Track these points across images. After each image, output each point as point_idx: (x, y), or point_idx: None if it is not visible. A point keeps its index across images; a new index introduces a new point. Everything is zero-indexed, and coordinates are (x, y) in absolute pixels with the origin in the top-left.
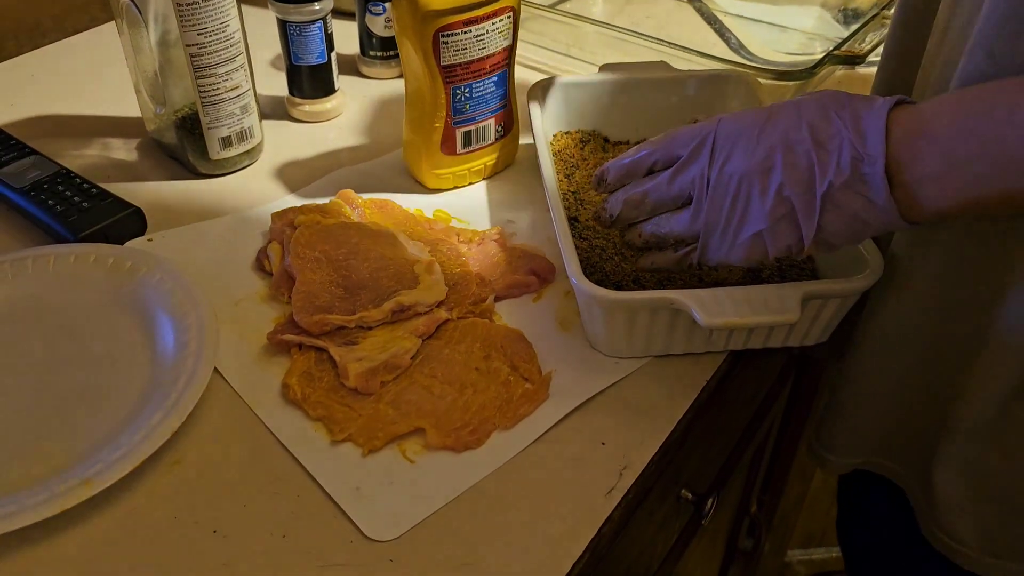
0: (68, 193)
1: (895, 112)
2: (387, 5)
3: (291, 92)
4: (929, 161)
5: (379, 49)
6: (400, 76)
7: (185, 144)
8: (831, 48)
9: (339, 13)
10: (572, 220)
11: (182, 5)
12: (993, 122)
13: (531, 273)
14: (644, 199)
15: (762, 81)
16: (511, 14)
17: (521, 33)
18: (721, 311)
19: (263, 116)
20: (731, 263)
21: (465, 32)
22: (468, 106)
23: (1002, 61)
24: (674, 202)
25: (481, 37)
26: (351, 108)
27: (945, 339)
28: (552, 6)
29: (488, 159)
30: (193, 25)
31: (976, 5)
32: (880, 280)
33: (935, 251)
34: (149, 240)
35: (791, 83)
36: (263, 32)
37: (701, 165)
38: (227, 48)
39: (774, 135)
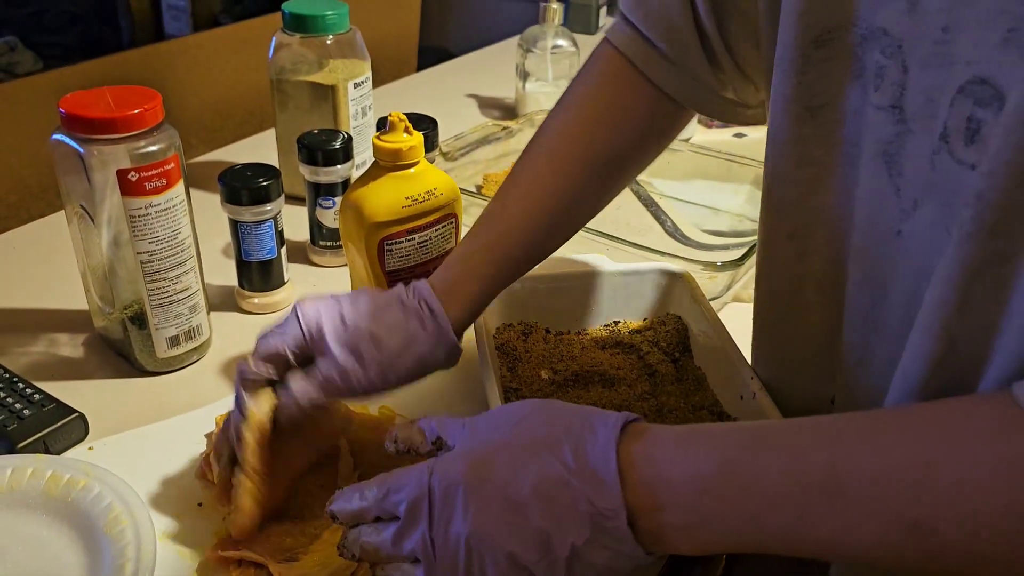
0: (9, 400)
1: (625, 445)
2: (337, 199)
3: (240, 284)
4: (671, 512)
5: (329, 239)
6: None
7: (132, 342)
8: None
9: (291, 198)
10: None
11: (134, 217)
12: (731, 484)
13: None
14: (378, 552)
15: (693, 273)
16: (453, 220)
17: (465, 219)
18: None
19: (212, 307)
20: None
21: (409, 240)
22: None
23: None
24: (408, 558)
25: (425, 243)
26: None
27: None
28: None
29: None
30: (145, 235)
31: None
32: None
33: None
34: (90, 449)
35: (722, 273)
36: (215, 219)
37: (422, 528)
38: (177, 253)
39: (491, 490)
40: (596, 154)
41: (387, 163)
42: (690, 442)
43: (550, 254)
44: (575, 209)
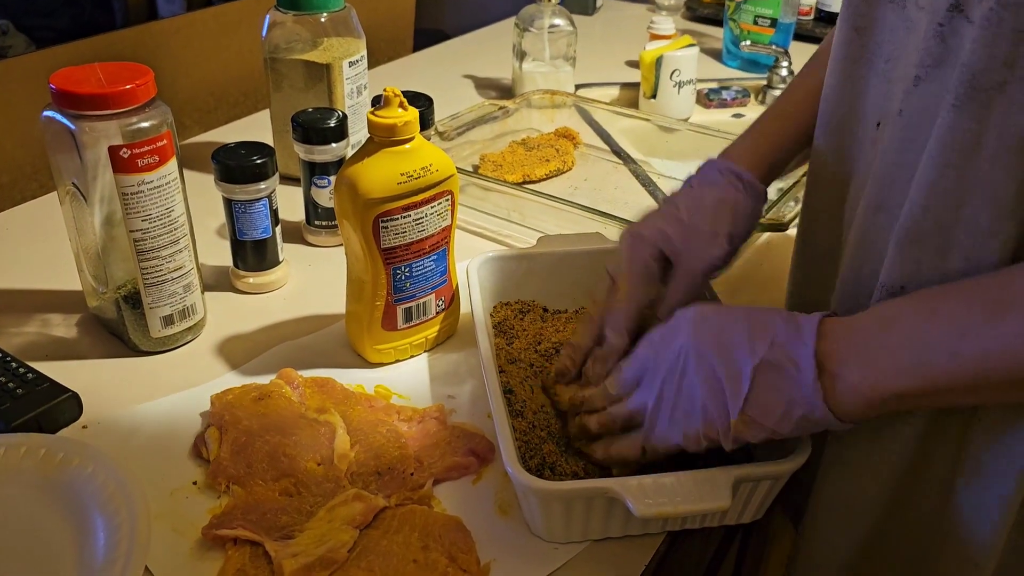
0: (2, 379)
1: (826, 319)
2: (332, 178)
3: (235, 264)
4: (853, 351)
5: (324, 219)
6: None
7: (126, 322)
8: None
9: (286, 179)
10: (508, 398)
11: (127, 194)
12: (913, 319)
13: (470, 454)
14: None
15: None
16: (449, 197)
17: (462, 198)
18: (655, 500)
19: (207, 288)
20: (672, 444)
21: (404, 217)
22: (408, 284)
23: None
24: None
25: (420, 220)
26: (295, 278)
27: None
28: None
29: (429, 332)
30: (138, 212)
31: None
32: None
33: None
34: (84, 427)
35: None
36: (209, 200)
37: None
38: (171, 232)
39: (713, 324)
40: None
41: (382, 139)
42: (877, 309)
43: None
44: None
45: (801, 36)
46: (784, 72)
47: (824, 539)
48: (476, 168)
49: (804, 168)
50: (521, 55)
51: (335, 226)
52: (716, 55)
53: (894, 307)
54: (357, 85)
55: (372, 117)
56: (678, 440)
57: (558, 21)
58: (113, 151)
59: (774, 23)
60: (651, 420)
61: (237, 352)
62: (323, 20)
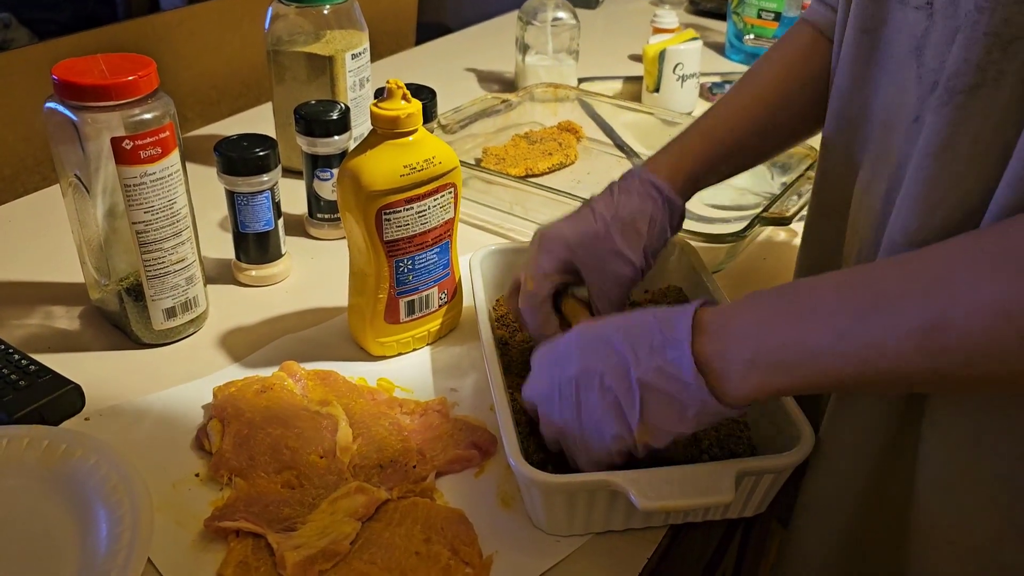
0: (5, 371)
1: (703, 309)
2: (334, 171)
3: (237, 257)
4: (734, 349)
5: (327, 211)
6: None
7: (128, 314)
8: (760, 209)
9: (288, 171)
10: (511, 391)
11: (129, 186)
12: (789, 318)
13: (473, 447)
14: None
15: (696, 244)
16: (452, 190)
17: (465, 191)
18: (658, 494)
19: (208, 280)
20: (589, 467)
21: (407, 209)
22: (411, 277)
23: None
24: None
25: (423, 213)
26: (298, 271)
27: (876, 499)
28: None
29: (432, 325)
30: (140, 204)
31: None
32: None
33: (849, 419)
34: (86, 419)
35: (723, 246)
36: (212, 192)
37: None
38: (173, 224)
39: (596, 342)
40: (791, 86)
41: (385, 131)
42: (754, 304)
43: (756, 158)
44: (778, 118)
45: None
46: None
47: (810, 533)
48: (479, 161)
49: (807, 163)
50: (524, 48)
51: (338, 219)
52: (719, 49)
53: (770, 303)
54: (360, 78)
55: (375, 109)
56: (590, 468)
57: (561, 14)
58: (115, 143)
59: (778, 17)
60: (566, 447)
61: (239, 345)
62: (326, 12)
